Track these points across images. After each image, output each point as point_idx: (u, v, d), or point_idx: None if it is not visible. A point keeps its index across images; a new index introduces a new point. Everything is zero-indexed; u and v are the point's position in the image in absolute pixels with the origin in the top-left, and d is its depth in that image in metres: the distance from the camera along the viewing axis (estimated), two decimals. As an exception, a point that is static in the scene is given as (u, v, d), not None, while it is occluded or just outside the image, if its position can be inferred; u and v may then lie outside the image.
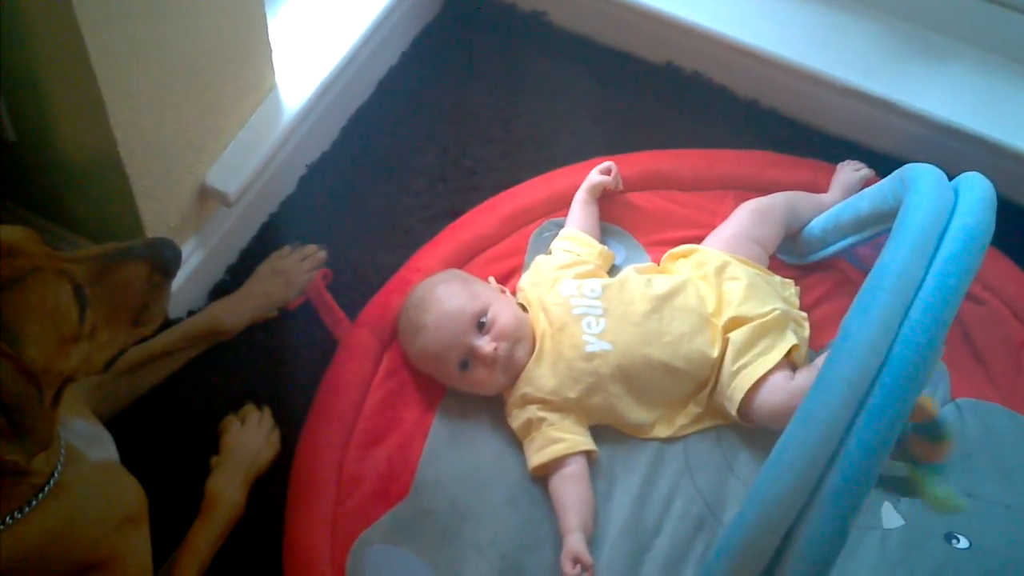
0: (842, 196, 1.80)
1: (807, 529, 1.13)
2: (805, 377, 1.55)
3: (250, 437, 1.62)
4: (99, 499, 1.27)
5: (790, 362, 1.60)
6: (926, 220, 1.25)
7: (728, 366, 1.60)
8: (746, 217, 1.76)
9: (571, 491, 1.54)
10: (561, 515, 1.53)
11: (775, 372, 1.56)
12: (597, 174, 1.80)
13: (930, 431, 1.55)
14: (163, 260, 1.27)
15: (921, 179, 1.33)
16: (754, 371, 1.57)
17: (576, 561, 1.48)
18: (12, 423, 1.08)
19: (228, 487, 1.55)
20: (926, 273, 1.19)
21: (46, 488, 1.19)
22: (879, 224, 1.61)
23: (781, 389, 1.55)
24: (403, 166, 1.95)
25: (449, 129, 2.00)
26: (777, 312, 1.62)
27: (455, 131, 2.00)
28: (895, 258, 1.21)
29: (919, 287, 1.18)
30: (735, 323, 1.63)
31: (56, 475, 1.21)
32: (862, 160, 1.90)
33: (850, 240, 1.69)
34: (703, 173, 1.89)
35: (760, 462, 1.51)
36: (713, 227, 1.81)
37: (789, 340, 1.60)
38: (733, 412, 1.59)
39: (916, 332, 1.14)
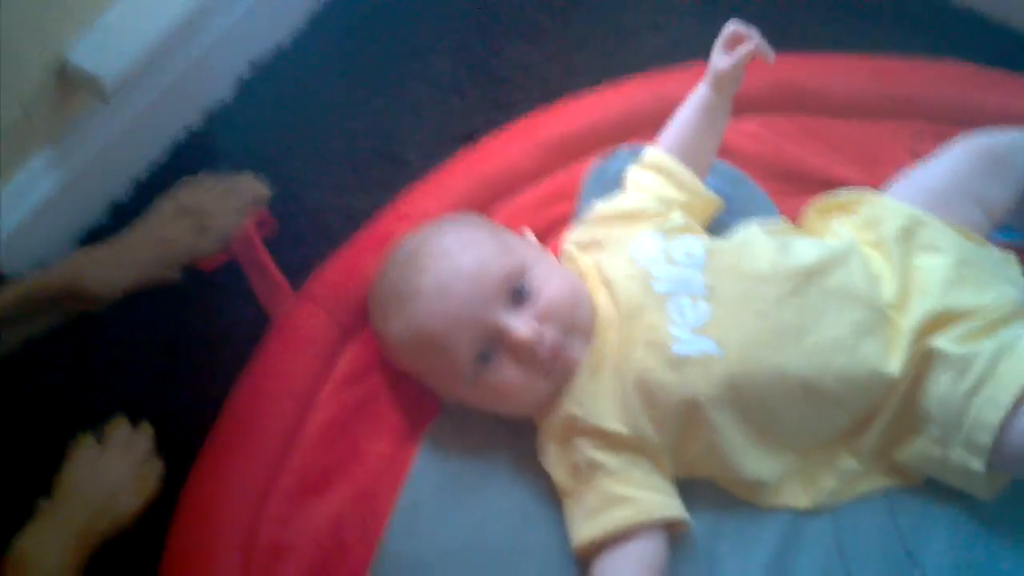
0: None
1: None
2: None
3: (106, 471, 1.28)
4: None
5: None
6: None
7: (950, 388, 1.20)
8: (968, 160, 1.38)
9: None
10: None
11: None
12: (725, 52, 1.35)
13: None
14: None
15: None
16: (1004, 390, 1.18)
17: None
18: None
19: (46, 552, 1.21)
20: None
21: None
22: None
23: None
24: (402, 70, 1.64)
25: (473, 19, 1.68)
26: (1012, 302, 1.24)
27: (482, 22, 1.68)
28: None
29: None
30: (940, 321, 1.24)
31: None
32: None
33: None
34: (864, 91, 1.52)
35: (964, 548, 1.21)
36: (876, 174, 1.42)
37: None
38: (977, 465, 1.20)
39: None
